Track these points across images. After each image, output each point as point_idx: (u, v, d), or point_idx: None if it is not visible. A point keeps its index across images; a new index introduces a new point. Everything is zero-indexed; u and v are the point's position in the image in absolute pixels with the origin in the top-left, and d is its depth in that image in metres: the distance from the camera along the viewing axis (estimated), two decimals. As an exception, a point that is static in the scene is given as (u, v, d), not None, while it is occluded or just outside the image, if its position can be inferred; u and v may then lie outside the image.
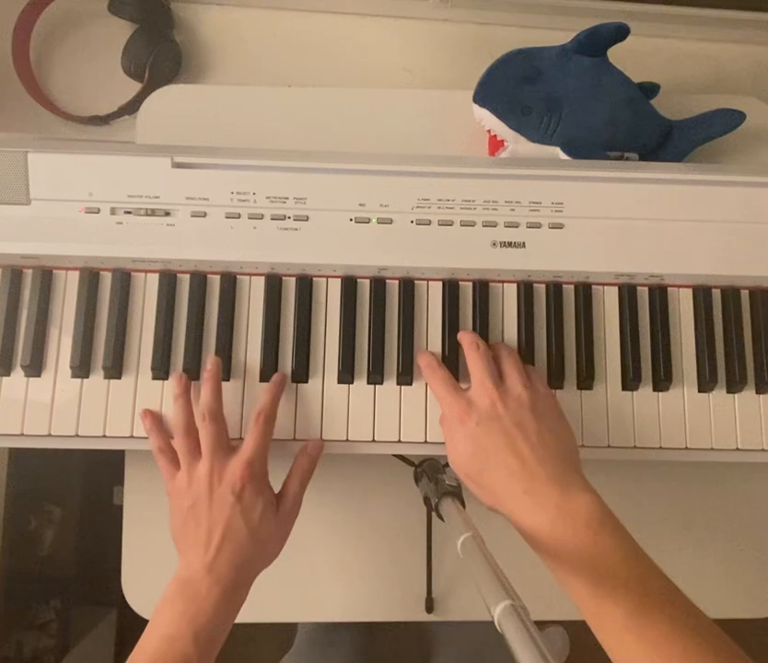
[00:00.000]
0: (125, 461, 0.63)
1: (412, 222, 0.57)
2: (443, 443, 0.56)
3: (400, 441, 0.56)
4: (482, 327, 0.58)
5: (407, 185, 0.57)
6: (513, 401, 0.51)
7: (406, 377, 0.57)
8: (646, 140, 0.67)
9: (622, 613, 0.42)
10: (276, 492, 0.53)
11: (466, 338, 0.56)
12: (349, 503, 0.63)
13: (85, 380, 0.56)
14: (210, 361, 0.55)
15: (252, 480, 0.50)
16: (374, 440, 0.56)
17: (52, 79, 0.75)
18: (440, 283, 0.59)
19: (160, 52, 0.72)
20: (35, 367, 0.56)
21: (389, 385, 0.57)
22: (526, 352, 0.58)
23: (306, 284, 0.58)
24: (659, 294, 0.60)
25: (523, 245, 0.57)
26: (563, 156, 0.64)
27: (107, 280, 0.58)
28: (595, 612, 0.43)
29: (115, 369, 0.56)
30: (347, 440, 0.56)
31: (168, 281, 0.58)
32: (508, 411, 0.50)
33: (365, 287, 0.59)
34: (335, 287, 0.59)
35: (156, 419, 0.55)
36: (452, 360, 0.57)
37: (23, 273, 0.58)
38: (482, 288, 0.59)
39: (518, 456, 0.49)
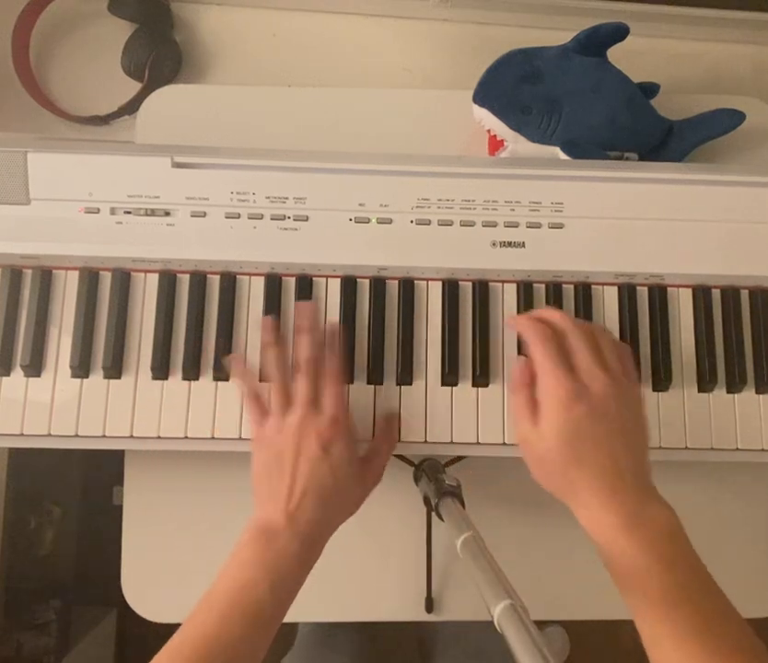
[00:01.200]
0: (125, 461, 0.63)
1: (411, 222, 0.57)
2: (443, 443, 0.56)
3: (400, 441, 0.56)
4: (482, 327, 0.58)
5: (407, 185, 0.57)
6: (621, 399, 0.47)
7: (406, 376, 0.57)
8: (646, 140, 0.67)
9: (683, 632, 0.41)
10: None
11: (564, 321, 0.50)
12: (349, 503, 0.63)
13: (84, 380, 0.56)
14: (307, 307, 0.54)
15: (341, 435, 0.49)
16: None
17: (52, 79, 0.75)
18: (440, 283, 0.59)
19: (160, 52, 0.72)
20: (35, 367, 0.56)
21: (389, 385, 0.57)
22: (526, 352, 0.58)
23: (306, 284, 0.58)
24: (659, 294, 0.60)
25: (523, 245, 0.57)
26: (563, 156, 0.64)
27: (107, 280, 0.58)
28: (653, 627, 0.42)
29: (115, 369, 0.56)
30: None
31: (168, 281, 0.58)
32: (618, 407, 0.47)
33: (364, 287, 0.59)
34: (335, 287, 0.59)
35: (246, 365, 0.55)
36: (452, 361, 0.57)
37: (23, 273, 0.57)
38: (481, 288, 0.59)
39: (613, 457, 0.46)
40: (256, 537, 0.47)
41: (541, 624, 0.39)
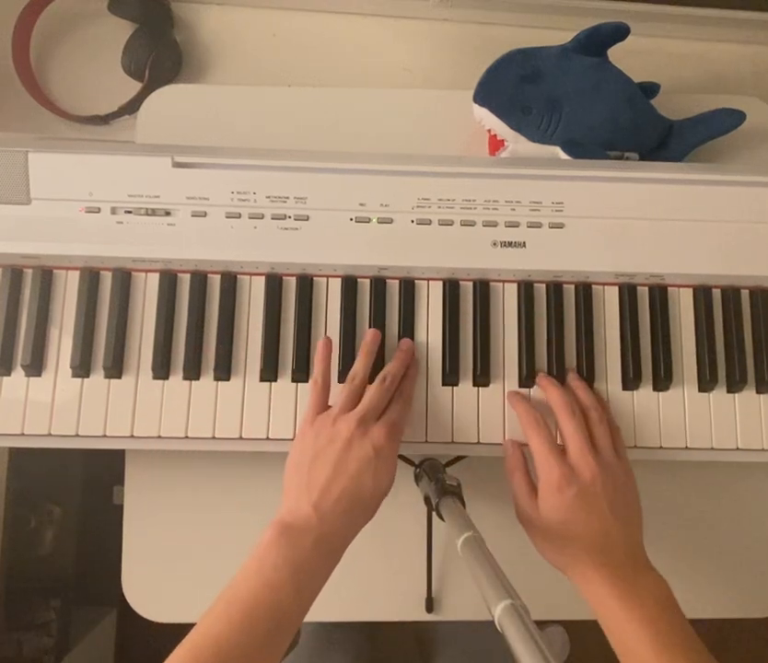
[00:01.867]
0: (125, 461, 0.63)
1: (412, 222, 0.57)
2: (443, 443, 0.56)
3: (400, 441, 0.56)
4: (483, 327, 0.58)
5: (407, 185, 0.57)
6: (609, 478, 0.51)
7: (406, 376, 0.57)
8: (646, 140, 0.67)
9: None
10: None
11: (557, 399, 0.54)
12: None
13: (85, 380, 0.56)
14: (407, 343, 0.57)
15: (393, 445, 0.50)
16: (374, 440, 0.56)
17: (52, 79, 0.75)
18: (440, 282, 0.59)
19: (160, 52, 0.72)
20: (35, 367, 0.56)
21: (390, 385, 0.57)
22: (526, 352, 0.58)
23: (306, 284, 0.58)
24: (660, 293, 0.60)
25: (523, 245, 0.57)
26: (563, 155, 0.64)
27: (107, 280, 0.58)
28: None
29: (115, 369, 0.56)
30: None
31: (169, 281, 0.58)
32: (605, 489, 0.51)
33: (365, 287, 0.59)
34: (336, 287, 0.59)
35: (329, 351, 0.55)
36: (453, 360, 0.57)
37: (23, 272, 0.58)
38: (482, 288, 0.59)
39: (606, 533, 0.50)
40: (282, 534, 0.46)
41: (541, 624, 0.39)
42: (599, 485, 0.51)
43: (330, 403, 0.54)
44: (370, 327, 0.58)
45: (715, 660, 0.46)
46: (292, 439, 0.55)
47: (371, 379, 0.54)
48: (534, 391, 0.58)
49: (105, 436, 0.55)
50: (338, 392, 0.53)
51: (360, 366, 0.54)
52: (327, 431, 0.50)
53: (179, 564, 0.62)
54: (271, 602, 0.43)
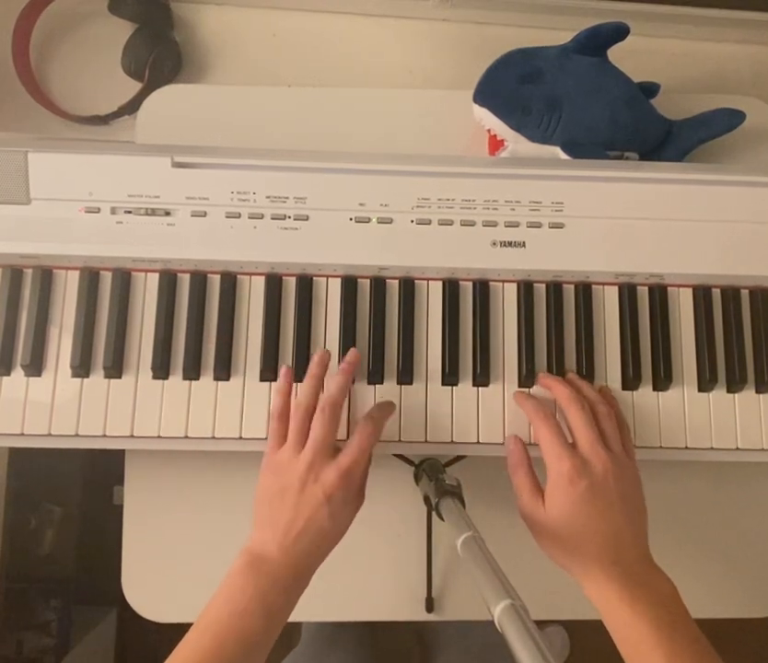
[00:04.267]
0: (125, 461, 0.63)
1: (412, 222, 0.57)
2: (443, 443, 0.56)
3: (400, 441, 0.56)
4: (483, 327, 0.58)
5: (407, 185, 0.57)
6: (620, 473, 0.50)
7: (406, 376, 0.57)
8: (646, 140, 0.67)
9: None
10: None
11: (565, 394, 0.54)
12: (349, 503, 0.63)
13: (85, 380, 0.56)
14: (351, 353, 0.54)
15: (347, 489, 0.49)
16: (374, 440, 0.56)
17: (52, 79, 0.75)
18: (440, 282, 0.59)
19: (160, 52, 0.72)
20: (35, 367, 0.56)
21: (390, 385, 0.57)
22: (526, 352, 0.58)
23: (306, 284, 0.58)
24: (659, 293, 0.60)
25: (523, 245, 0.57)
26: (563, 155, 0.64)
27: (107, 280, 0.58)
28: None
29: (115, 369, 0.56)
30: (347, 440, 0.56)
31: (169, 281, 0.58)
32: (617, 484, 0.50)
33: (365, 287, 0.59)
34: (335, 287, 0.59)
35: (290, 383, 0.54)
36: (453, 360, 0.57)
37: (23, 272, 0.57)
38: (482, 288, 0.59)
39: (616, 528, 0.49)
40: (250, 563, 0.47)
41: (541, 624, 0.39)
42: (611, 479, 0.50)
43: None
44: (370, 327, 0.58)
45: (721, 661, 0.45)
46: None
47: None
48: (535, 391, 0.58)
49: (105, 436, 0.55)
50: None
51: (304, 392, 0.52)
52: (283, 472, 0.49)
53: (179, 563, 0.62)
54: (240, 629, 0.44)
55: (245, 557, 0.48)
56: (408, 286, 0.59)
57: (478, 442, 0.57)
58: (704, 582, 0.64)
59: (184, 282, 0.58)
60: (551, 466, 0.51)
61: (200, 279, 0.58)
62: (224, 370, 0.56)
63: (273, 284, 0.58)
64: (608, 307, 0.60)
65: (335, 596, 0.63)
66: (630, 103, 0.65)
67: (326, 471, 0.49)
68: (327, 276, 0.59)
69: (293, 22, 0.77)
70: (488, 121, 0.64)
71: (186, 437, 0.56)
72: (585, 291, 0.59)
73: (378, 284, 0.59)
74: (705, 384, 0.58)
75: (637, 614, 0.45)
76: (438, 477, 0.52)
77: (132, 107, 0.72)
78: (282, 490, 0.49)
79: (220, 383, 0.57)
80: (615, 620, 0.47)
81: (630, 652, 0.46)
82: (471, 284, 0.59)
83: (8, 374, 0.56)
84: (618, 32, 0.63)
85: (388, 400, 0.56)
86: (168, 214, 0.56)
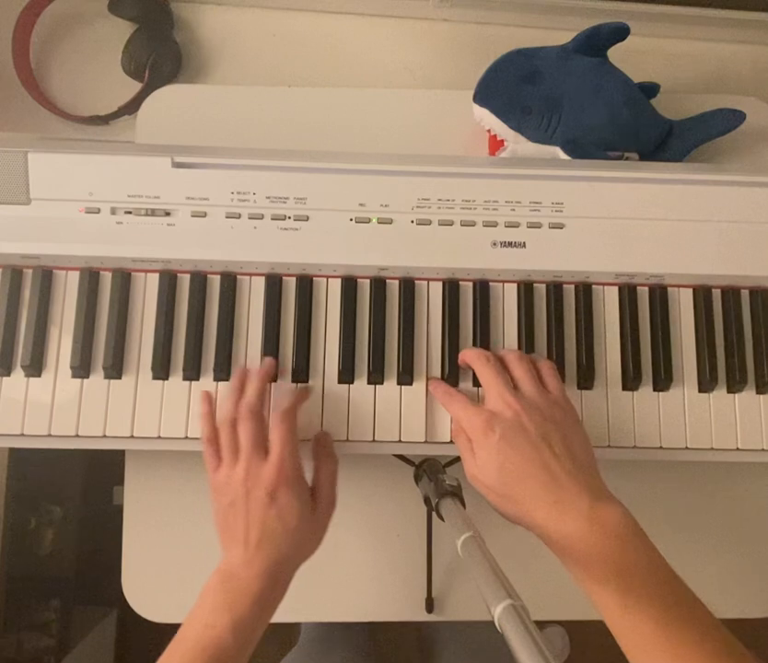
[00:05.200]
0: (125, 461, 0.63)
1: (412, 222, 0.57)
2: (443, 442, 0.56)
3: (400, 441, 0.56)
4: (483, 327, 0.58)
5: (407, 185, 0.57)
6: (535, 411, 0.50)
7: (406, 376, 0.57)
8: (646, 140, 0.67)
9: (650, 626, 0.42)
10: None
11: (471, 353, 0.55)
12: (349, 503, 0.63)
13: (85, 380, 0.56)
14: (266, 362, 0.55)
15: (286, 482, 0.50)
16: (374, 440, 0.56)
17: (52, 79, 0.75)
18: (440, 283, 0.59)
19: (160, 52, 0.72)
20: (35, 367, 0.56)
21: (390, 385, 0.57)
22: (526, 352, 0.58)
23: (306, 284, 0.58)
24: (659, 294, 0.60)
25: (523, 245, 0.57)
26: (563, 156, 0.64)
27: (107, 280, 0.58)
28: (622, 624, 0.43)
29: (115, 369, 0.56)
30: (347, 440, 0.56)
31: (169, 281, 0.58)
32: (532, 421, 0.49)
33: (365, 287, 0.59)
34: (335, 287, 0.59)
35: (211, 407, 0.55)
36: (453, 360, 0.57)
37: (23, 272, 0.57)
38: (482, 288, 0.59)
39: (546, 467, 0.48)
40: (220, 580, 0.48)
41: (541, 624, 0.39)
42: (525, 420, 0.49)
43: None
44: (370, 327, 0.58)
45: (690, 590, 0.45)
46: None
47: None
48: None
49: (105, 436, 0.55)
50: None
51: (224, 407, 0.53)
52: (226, 490, 0.50)
53: (179, 564, 0.62)
54: (211, 642, 0.45)
55: (216, 577, 0.49)
56: (408, 287, 0.59)
57: (478, 442, 0.57)
58: (703, 582, 0.64)
59: (184, 282, 0.58)
60: (467, 430, 0.52)
61: (200, 279, 0.58)
62: (224, 370, 0.56)
63: (273, 284, 0.58)
64: (608, 307, 0.60)
65: (334, 596, 0.63)
66: (630, 103, 0.65)
67: (263, 469, 0.50)
68: (327, 276, 0.59)
69: (293, 22, 0.77)
70: (488, 121, 0.64)
71: (186, 438, 0.56)
72: (585, 291, 0.59)
73: (378, 285, 0.59)
74: (706, 384, 0.58)
75: (590, 551, 0.45)
76: (438, 477, 0.52)
77: (132, 107, 0.72)
78: (230, 505, 0.50)
79: (220, 383, 0.57)
80: (572, 563, 0.46)
81: (587, 590, 0.46)
82: (471, 284, 0.59)
83: (8, 374, 0.56)
84: (618, 32, 0.63)
85: (302, 386, 0.57)
86: (168, 214, 0.56)
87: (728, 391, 0.59)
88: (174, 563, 0.62)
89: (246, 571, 0.48)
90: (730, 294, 0.60)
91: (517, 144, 0.65)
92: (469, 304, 0.59)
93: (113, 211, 0.56)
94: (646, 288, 0.60)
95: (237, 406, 0.53)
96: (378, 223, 0.57)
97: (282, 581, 0.50)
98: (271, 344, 0.57)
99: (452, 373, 0.57)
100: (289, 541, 0.49)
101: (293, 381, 0.57)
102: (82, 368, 0.56)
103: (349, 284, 0.59)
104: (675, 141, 0.68)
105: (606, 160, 0.63)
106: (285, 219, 0.56)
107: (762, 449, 0.58)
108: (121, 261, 0.57)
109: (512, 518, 0.50)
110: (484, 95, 0.64)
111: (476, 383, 0.57)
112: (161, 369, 0.56)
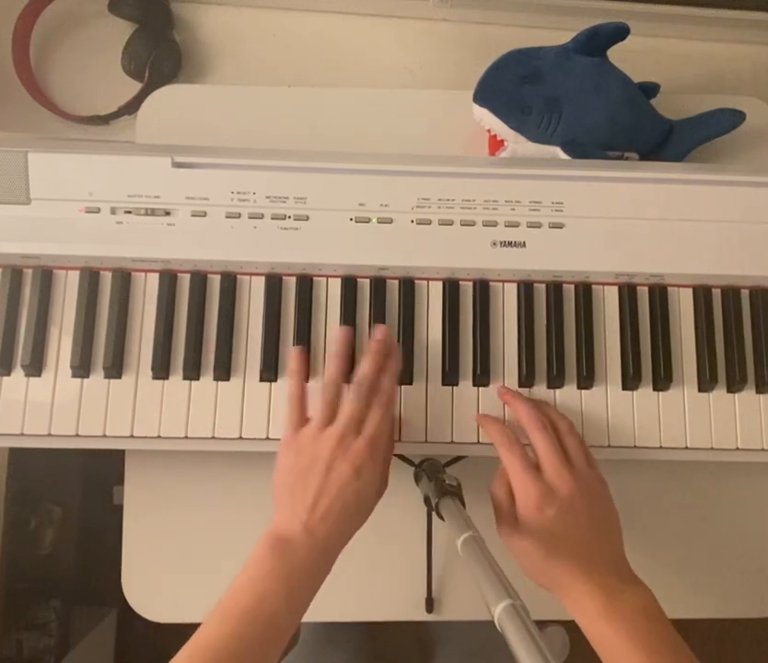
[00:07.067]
0: (125, 461, 0.63)
1: (412, 222, 0.57)
2: (443, 443, 0.56)
3: (400, 440, 0.56)
4: (483, 326, 0.58)
5: (407, 185, 0.57)
6: (585, 491, 0.51)
7: (406, 376, 0.57)
8: (646, 140, 0.67)
9: None
10: None
11: (526, 413, 0.54)
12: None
13: (85, 380, 0.56)
14: (382, 331, 0.54)
15: (373, 461, 0.49)
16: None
17: (52, 79, 0.75)
18: (440, 282, 0.59)
19: (160, 52, 0.72)
20: (35, 367, 0.56)
21: (390, 385, 0.57)
22: (526, 352, 0.58)
23: (306, 284, 0.58)
24: (659, 293, 0.60)
25: (523, 245, 0.57)
26: (563, 155, 0.64)
27: (107, 280, 0.58)
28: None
29: (115, 369, 0.56)
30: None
31: (169, 281, 0.58)
32: (583, 502, 0.50)
33: (365, 287, 0.59)
34: (335, 287, 0.59)
35: (301, 365, 0.54)
36: (453, 360, 0.57)
37: (23, 272, 0.58)
38: (482, 288, 0.59)
39: (587, 546, 0.49)
40: (273, 546, 0.47)
41: (541, 624, 0.39)
42: (577, 500, 0.50)
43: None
44: (370, 327, 0.58)
45: None
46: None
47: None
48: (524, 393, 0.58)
49: (105, 436, 0.55)
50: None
51: (332, 372, 0.53)
52: (308, 451, 0.49)
53: (179, 564, 0.62)
54: (263, 613, 0.44)
55: (268, 540, 0.47)
56: (408, 286, 0.59)
57: (478, 442, 0.57)
58: (702, 582, 0.64)
59: (184, 282, 0.58)
60: (518, 495, 0.51)
61: (200, 279, 0.58)
62: (224, 370, 0.56)
63: (273, 284, 0.58)
64: (608, 307, 0.60)
65: (334, 596, 0.62)
66: (630, 103, 0.65)
67: (355, 444, 0.49)
68: (327, 276, 0.59)
69: (293, 22, 0.77)
70: (488, 121, 0.64)
71: (186, 437, 0.56)
72: (585, 291, 0.59)
73: (378, 285, 0.59)
74: (705, 384, 0.58)
75: (616, 629, 0.45)
76: (438, 477, 0.52)
77: (132, 107, 0.72)
78: (306, 468, 0.48)
79: (220, 383, 0.57)
80: (597, 636, 0.47)
81: (608, 660, 0.46)
82: (471, 284, 0.59)
83: (8, 374, 0.56)
84: (618, 32, 0.63)
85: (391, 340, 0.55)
86: (168, 214, 0.56)
87: (728, 391, 0.59)
88: (174, 563, 0.62)
89: (305, 540, 0.46)
90: (730, 294, 0.60)
91: (517, 144, 0.65)
92: (469, 304, 0.59)
93: (113, 211, 0.56)
94: (646, 288, 0.60)
95: (342, 373, 0.52)
96: (378, 223, 0.57)
97: (334, 555, 0.49)
98: (271, 344, 0.57)
99: (452, 372, 0.57)
100: (355, 518, 0.49)
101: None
102: (82, 368, 0.56)
103: (349, 284, 0.59)
104: (675, 141, 0.68)
105: (606, 160, 0.63)
106: (284, 219, 0.56)
107: (762, 449, 0.58)
108: (121, 261, 0.57)
109: (540, 583, 0.50)
110: (484, 95, 0.64)
111: (475, 383, 0.57)
112: (161, 369, 0.56)
